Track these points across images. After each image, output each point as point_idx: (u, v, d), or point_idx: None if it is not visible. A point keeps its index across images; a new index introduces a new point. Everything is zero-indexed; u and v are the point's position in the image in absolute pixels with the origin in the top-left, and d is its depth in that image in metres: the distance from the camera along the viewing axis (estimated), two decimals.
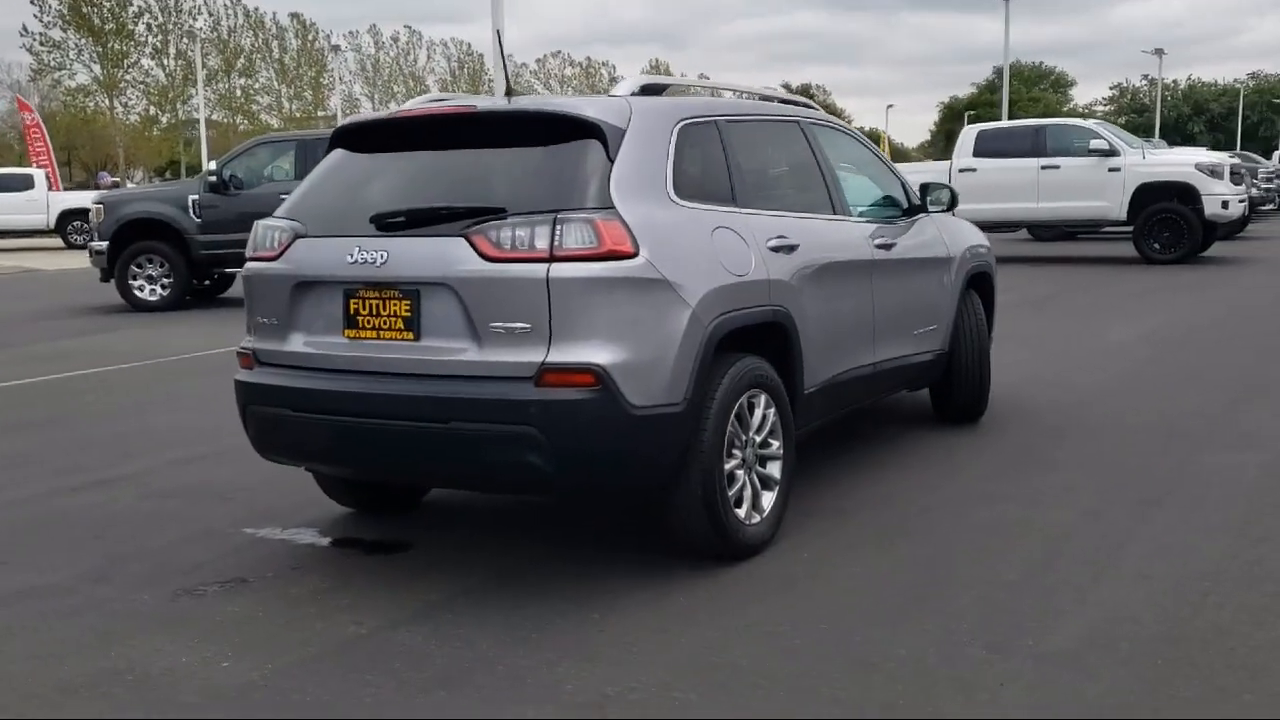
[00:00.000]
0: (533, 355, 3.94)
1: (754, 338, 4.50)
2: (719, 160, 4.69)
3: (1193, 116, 78.24)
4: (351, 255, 4.19)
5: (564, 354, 3.92)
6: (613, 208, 4.01)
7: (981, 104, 79.75)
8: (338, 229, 4.35)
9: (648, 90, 4.65)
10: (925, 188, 6.22)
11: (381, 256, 4.13)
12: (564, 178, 4.12)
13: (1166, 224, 17.46)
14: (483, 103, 4.45)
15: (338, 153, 4.71)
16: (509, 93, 4.71)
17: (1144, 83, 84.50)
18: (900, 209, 6.12)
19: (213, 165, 14.58)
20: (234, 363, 4.73)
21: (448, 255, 4.03)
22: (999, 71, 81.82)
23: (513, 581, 4.37)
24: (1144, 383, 8.17)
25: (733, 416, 4.35)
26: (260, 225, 4.59)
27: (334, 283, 4.28)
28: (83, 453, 6.81)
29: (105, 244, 14.52)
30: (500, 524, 5.20)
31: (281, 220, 4.53)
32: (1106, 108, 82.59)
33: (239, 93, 61.97)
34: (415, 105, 4.83)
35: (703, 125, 4.67)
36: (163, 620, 4.10)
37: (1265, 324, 11.14)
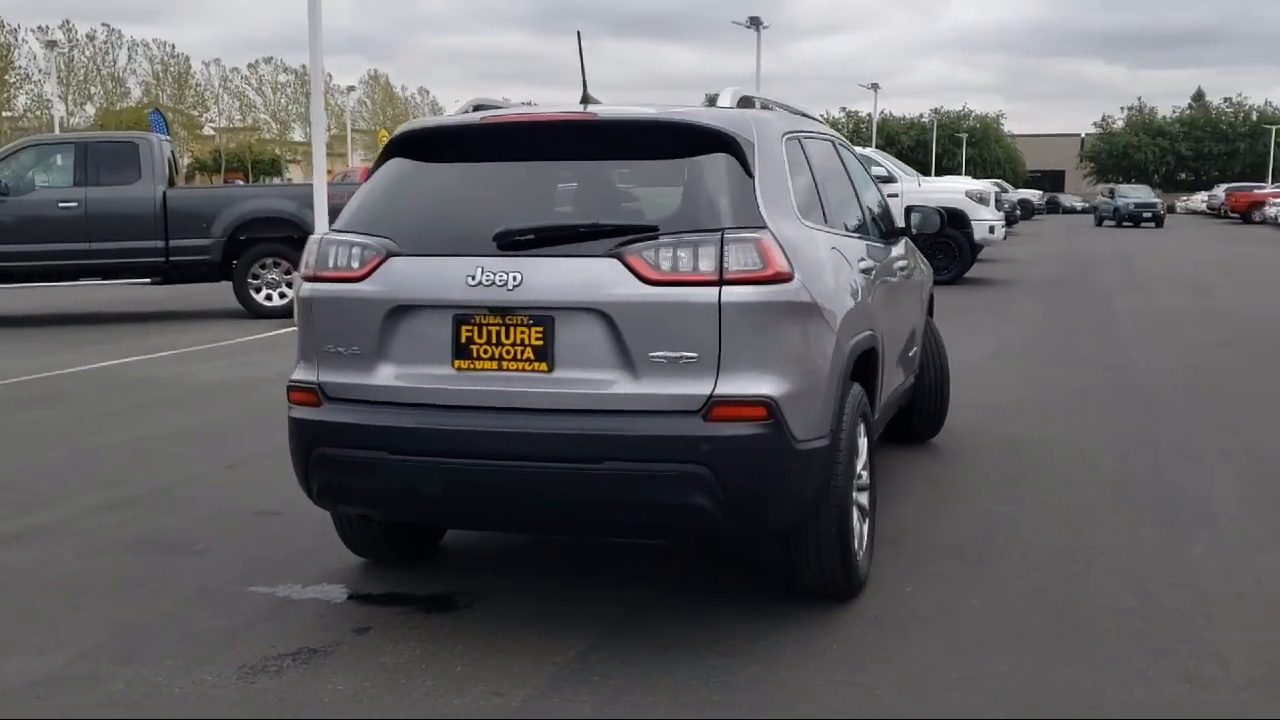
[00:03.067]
0: (699, 387, 3.58)
1: (859, 365, 4.30)
2: (809, 177, 4.46)
3: (885, 147, 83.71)
4: (473, 277, 3.68)
5: (733, 385, 3.59)
6: (766, 227, 3.72)
7: None
8: (443, 247, 3.83)
9: (743, 104, 4.36)
10: (910, 210, 6.20)
11: (514, 279, 3.65)
12: (708, 194, 3.78)
13: (940, 247, 18.48)
14: (603, 111, 4.02)
15: (403, 162, 4.14)
16: (585, 100, 4.33)
17: (842, 114, 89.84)
18: (881, 230, 6.06)
19: None
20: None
21: (598, 278, 3.62)
22: (711, 99, 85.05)
23: (631, 634, 3.97)
24: (1036, 400, 8.46)
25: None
26: (326, 240, 3.98)
27: (443, 307, 3.76)
28: None
29: None
30: (537, 566, 4.75)
31: (359, 235, 3.93)
32: None
33: None
34: (459, 114, 4.35)
35: (795, 141, 4.44)
36: (256, 706, 3.47)
37: (1088, 340, 11.81)
